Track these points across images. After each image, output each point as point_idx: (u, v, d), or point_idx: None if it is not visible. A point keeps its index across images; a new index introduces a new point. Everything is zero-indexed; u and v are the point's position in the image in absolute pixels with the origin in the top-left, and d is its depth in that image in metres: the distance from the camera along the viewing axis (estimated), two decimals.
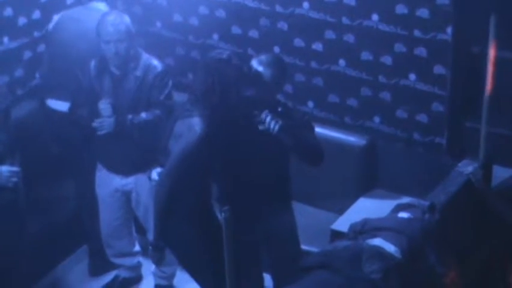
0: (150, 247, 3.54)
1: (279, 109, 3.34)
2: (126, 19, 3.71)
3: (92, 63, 3.76)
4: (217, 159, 3.38)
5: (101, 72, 3.74)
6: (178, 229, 3.41)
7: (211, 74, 3.28)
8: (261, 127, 3.24)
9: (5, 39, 4.09)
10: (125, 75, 3.71)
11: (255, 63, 3.33)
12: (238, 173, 3.40)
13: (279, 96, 3.45)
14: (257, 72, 3.29)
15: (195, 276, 3.64)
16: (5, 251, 3.62)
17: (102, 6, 4.02)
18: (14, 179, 3.50)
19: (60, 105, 3.96)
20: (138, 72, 3.71)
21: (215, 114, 3.28)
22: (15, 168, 3.52)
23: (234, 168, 3.40)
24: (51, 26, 4.04)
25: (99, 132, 3.69)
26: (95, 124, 3.69)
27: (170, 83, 3.77)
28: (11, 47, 4.11)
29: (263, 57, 3.36)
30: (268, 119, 3.21)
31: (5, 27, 4.07)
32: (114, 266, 4.21)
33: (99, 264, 4.24)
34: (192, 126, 3.28)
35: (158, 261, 3.55)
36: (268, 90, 3.33)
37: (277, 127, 3.20)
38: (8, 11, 4.08)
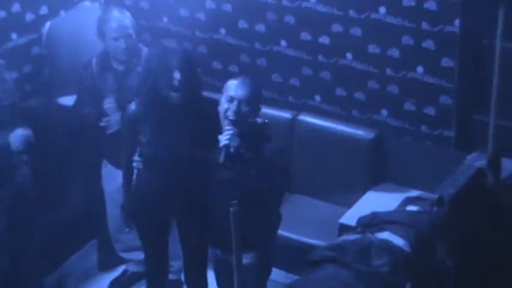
0: None
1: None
2: (128, 14, 3.72)
3: (94, 61, 3.76)
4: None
5: (103, 70, 3.75)
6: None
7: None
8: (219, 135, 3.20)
9: (14, 36, 4.11)
10: (128, 71, 3.72)
11: (229, 83, 3.23)
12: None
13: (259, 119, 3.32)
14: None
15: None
16: (15, 246, 3.64)
17: (88, 4, 4.05)
18: (28, 141, 3.49)
19: (69, 100, 3.99)
20: (140, 68, 3.70)
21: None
22: (27, 131, 3.51)
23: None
24: (45, 33, 4.06)
25: (108, 131, 3.71)
26: (102, 124, 3.71)
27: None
28: (19, 43, 4.13)
29: (239, 79, 3.26)
30: (224, 133, 3.16)
31: (13, 24, 4.09)
32: (122, 261, 4.23)
33: (108, 259, 4.26)
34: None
35: None
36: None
37: (226, 142, 3.14)
38: (16, 7, 4.10)
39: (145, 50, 3.77)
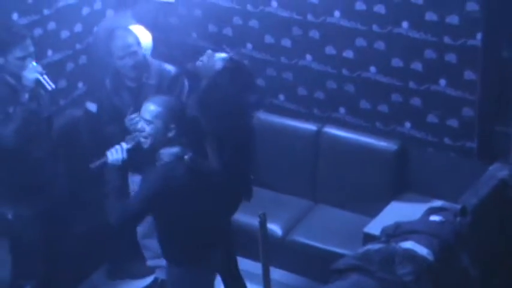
0: None
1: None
2: (133, 31, 3.76)
3: (107, 81, 3.81)
4: None
5: (117, 88, 3.78)
6: None
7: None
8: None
9: (49, 52, 4.24)
10: (141, 87, 3.74)
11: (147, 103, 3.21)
12: None
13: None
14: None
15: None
16: (50, 254, 3.75)
17: (129, 15, 4.16)
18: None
19: (95, 107, 4.07)
20: (152, 81, 3.74)
21: None
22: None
23: None
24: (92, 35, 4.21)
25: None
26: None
27: (186, 83, 3.78)
28: (54, 59, 4.25)
29: (150, 100, 3.23)
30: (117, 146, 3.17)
31: (49, 41, 4.21)
32: (129, 274, 4.23)
33: (140, 267, 4.31)
34: None
35: None
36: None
37: (106, 153, 3.16)
38: (52, 25, 4.23)
39: (155, 64, 3.79)
